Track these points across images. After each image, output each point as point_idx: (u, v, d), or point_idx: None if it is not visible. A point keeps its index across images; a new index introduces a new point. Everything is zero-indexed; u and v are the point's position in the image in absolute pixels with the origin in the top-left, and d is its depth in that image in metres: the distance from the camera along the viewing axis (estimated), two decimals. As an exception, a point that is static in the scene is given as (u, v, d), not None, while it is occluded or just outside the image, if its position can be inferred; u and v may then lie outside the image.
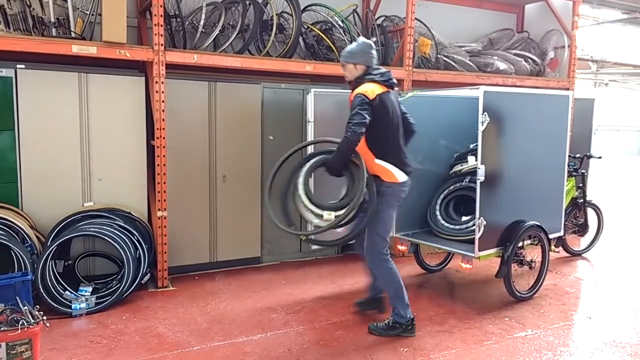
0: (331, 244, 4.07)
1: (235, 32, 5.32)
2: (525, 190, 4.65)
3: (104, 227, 4.45)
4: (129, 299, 4.49)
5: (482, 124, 4.14)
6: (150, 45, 4.64)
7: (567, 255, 6.26)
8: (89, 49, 4.36)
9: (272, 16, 5.50)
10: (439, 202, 5.15)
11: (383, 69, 3.87)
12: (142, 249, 4.64)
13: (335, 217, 3.60)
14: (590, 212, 6.36)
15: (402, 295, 3.88)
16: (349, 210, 3.58)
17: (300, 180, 3.75)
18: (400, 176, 3.77)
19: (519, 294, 4.64)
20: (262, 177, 5.53)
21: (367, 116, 3.57)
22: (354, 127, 3.53)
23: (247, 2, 5.33)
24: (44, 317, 3.47)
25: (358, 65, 3.80)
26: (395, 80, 3.87)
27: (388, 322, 3.94)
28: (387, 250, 3.87)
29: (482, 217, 4.25)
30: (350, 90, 3.83)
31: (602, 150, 8.21)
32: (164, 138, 4.71)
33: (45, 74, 4.54)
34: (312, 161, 3.83)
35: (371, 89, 3.67)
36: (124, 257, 4.34)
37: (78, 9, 4.89)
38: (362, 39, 3.93)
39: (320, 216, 3.66)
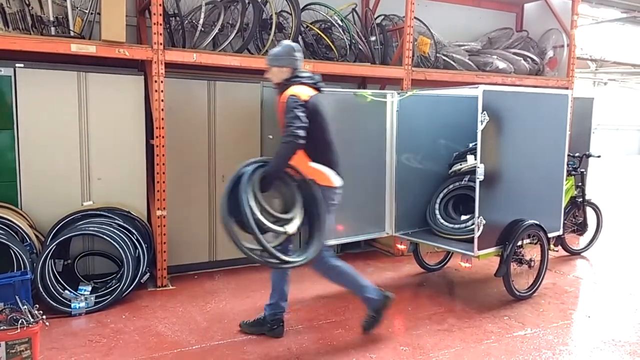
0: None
1: (235, 31, 5.31)
2: (525, 189, 4.66)
3: (103, 226, 4.45)
4: (129, 298, 4.49)
5: (482, 123, 4.14)
6: (150, 44, 4.64)
7: (566, 254, 6.26)
8: (88, 48, 4.36)
9: (272, 15, 5.50)
10: (438, 201, 5.15)
11: (310, 72, 3.77)
12: (142, 248, 4.63)
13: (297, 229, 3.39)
14: (590, 211, 6.37)
15: (360, 285, 3.82)
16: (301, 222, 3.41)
17: (252, 201, 3.28)
18: (336, 180, 3.66)
19: (518, 293, 4.64)
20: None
21: (303, 117, 3.44)
22: (295, 132, 3.38)
23: (247, 1, 5.33)
24: (44, 316, 3.47)
25: (283, 68, 3.69)
26: (322, 83, 3.77)
27: (370, 314, 3.88)
28: (326, 250, 3.71)
29: (481, 216, 4.26)
30: (277, 94, 3.72)
31: (601, 150, 8.21)
32: (163, 137, 4.71)
33: (44, 73, 4.54)
34: (254, 176, 3.37)
35: (302, 92, 3.56)
36: (124, 256, 4.34)
37: (77, 7, 4.88)
38: (286, 42, 3.84)
39: (284, 233, 3.37)
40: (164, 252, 4.83)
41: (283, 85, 3.69)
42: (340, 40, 5.95)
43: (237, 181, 3.33)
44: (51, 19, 4.68)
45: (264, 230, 3.29)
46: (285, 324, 4.04)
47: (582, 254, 6.35)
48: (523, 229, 4.52)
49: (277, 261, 3.33)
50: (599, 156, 6.50)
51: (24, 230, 4.27)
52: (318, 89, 3.73)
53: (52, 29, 4.70)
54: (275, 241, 3.41)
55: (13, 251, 4.04)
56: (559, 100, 4.93)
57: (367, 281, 3.89)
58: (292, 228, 3.41)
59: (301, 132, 3.40)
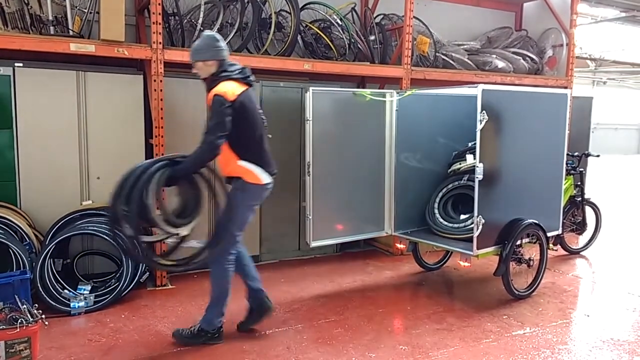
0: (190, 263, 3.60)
1: (234, 31, 5.30)
2: (524, 189, 4.66)
3: (102, 225, 4.44)
4: (128, 298, 4.48)
5: (481, 123, 4.14)
6: (149, 44, 4.64)
7: (565, 253, 6.27)
8: (87, 47, 4.35)
9: (271, 14, 5.50)
10: (437, 200, 5.15)
11: (240, 65, 3.58)
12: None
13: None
14: (588, 210, 6.37)
15: (223, 302, 3.69)
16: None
17: (149, 199, 3.22)
18: (264, 177, 3.58)
19: (517, 292, 4.65)
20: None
21: (227, 122, 3.35)
22: (214, 136, 3.31)
23: (246, 0, 5.32)
24: (43, 316, 3.47)
25: (208, 62, 3.50)
26: (253, 77, 3.62)
27: (193, 330, 3.70)
28: (233, 252, 3.69)
29: (480, 216, 4.26)
30: (206, 90, 3.56)
31: (600, 149, 8.21)
32: (162, 137, 4.70)
33: (43, 72, 4.54)
34: (157, 174, 3.29)
35: (230, 89, 3.42)
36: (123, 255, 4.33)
37: (76, 7, 4.87)
38: (206, 32, 3.63)
39: (176, 235, 3.35)
40: (164, 251, 4.82)
41: (211, 81, 3.50)
42: (339, 40, 5.95)
43: (138, 174, 3.23)
44: (50, 18, 4.68)
45: (149, 224, 3.29)
46: (285, 323, 4.05)
47: (581, 253, 6.36)
48: (522, 228, 4.52)
49: (146, 259, 3.42)
50: (598, 155, 6.51)
51: (23, 230, 4.27)
52: (249, 84, 3.56)
53: (51, 28, 4.70)
54: (159, 237, 3.41)
55: (12, 250, 4.04)
56: (558, 100, 4.94)
57: (226, 307, 3.73)
58: (185, 231, 3.38)
59: (220, 141, 3.33)
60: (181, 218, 3.42)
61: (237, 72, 3.52)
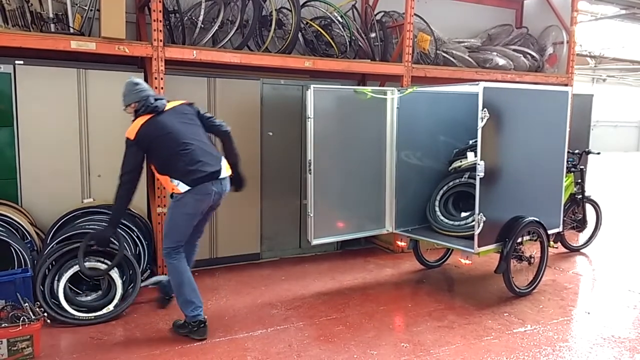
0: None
1: (235, 28, 5.30)
2: (525, 186, 4.66)
3: (103, 224, 4.44)
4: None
5: (482, 120, 4.14)
6: (149, 41, 4.63)
7: (566, 250, 6.28)
8: (88, 45, 4.35)
9: (271, 12, 5.49)
10: (438, 198, 5.15)
11: (152, 96, 3.81)
12: (142, 246, 4.64)
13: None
14: (589, 208, 6.38)
15: (185, 293, 3.80)
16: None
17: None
18: (182, 187, 3.72)
19: (518, 290, 4.65)
20: (262, 173, 5.53)
21: (133, 160, 3.72)
22: (120, 173, 3.75)
23: (246, -2, 5.32)
24: (45, 314, 3.48)
25: (132, 104, 3.82)
26: (163, 101, 3.83)
27: (183, 321, 3.88)
28: (177, 252, 3.84)
29: (481, 213, 4.26)
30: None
31: (600, 146, 8.22)
32: (163, 134, 4.69)
33: (44, 69, 4.53)
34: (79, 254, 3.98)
35: (132, 127, 3.73)
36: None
37: (76, 4, 4.87)
38: (127, 80, 3.90)
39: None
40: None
41: (137, 118, 3.82)
42: (340, 37, 5.94)
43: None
44: (51, 15, 4.67)
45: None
46: (286, 321, 4.06)
47: (581, 250, 6.37)
48: (523, 225, 4.52)
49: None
50: (598, 153, 6.52)
51: (24, 228, 4.26)
52: (153, 111, 3.78)
53: (52, 25, 4.69)
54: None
55: (14, 248, 4.04)
56: (559, 97, 4.93)
57: (197, 298, 3.85)
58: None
59: (126, 178, 3.75)
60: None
61: (143, 108, 3.79)
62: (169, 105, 3.87)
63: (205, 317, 3.84)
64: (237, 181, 4.16)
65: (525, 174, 4.65)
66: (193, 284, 3.84)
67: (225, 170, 3.92)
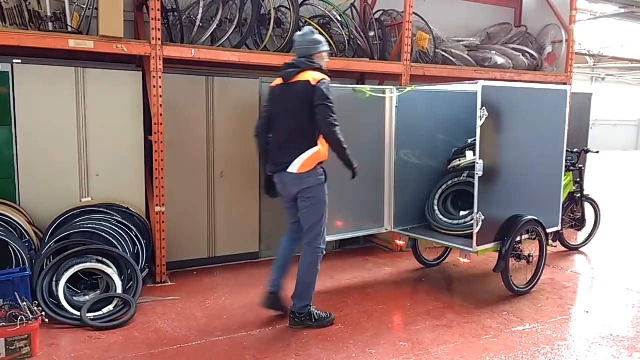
0: None
1: (233, 27, 5.29)
2: (524, 185, 4.66)
3: (102, 222, 4.44)
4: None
5: (481, 119, 4.14)
6: (148, 40, 4.62)
7: (565, 249, 6.28)
8: (86, 44, 4.34)
9: (270, 10, 5.48)
10: (437, 197, 5.15)
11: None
12: (141, 245, 4.63)
13: None
14: (588, 207, 6.38)
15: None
16: None
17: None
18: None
19: (516, 289, 4.65)
20: (260, 172, 5.52)
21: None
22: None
23: (245, -4, 5.31)
24: (43, 313, 3.47)
25: (324, 53, 3.93)
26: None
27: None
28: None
29: (480, 212, 4.26)
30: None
31: (599, 145, 8.23)
32: (161, 133, 4.70)
33: (42, 68, 4.52)
34: None
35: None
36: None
37: (75, 3, 4.85)
38: (309, 30, 3.94)
39: None
40: (163, 248, 4.83)
41: (311, 68, 3.76)
42: (339, 36, 5.93)
43: None
44: (49, 14, 4.66)
45: None
46: (284, 320, 4.06)
47: (580, 249, 6.37)
48: (522, 224, 4.52)
49: None
50: (597, 152, 6.52)
51: (22, 227, 4.25)
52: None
53: (50, 24, 4.68)
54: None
55: (12, 248, 4.03)
56: (558, 96, 4.93)
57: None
58: None
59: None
60: None
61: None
62: None
63: (274, 290, 4.04)
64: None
65: (524, 173, 4.65)
66: (280, 261, 4.02)
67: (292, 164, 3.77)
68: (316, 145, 3.72)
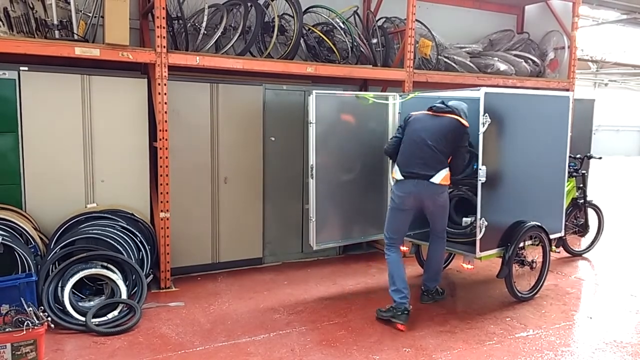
0: None
1: (237, 34, 5.33)
2: (526, 191, 4.67)
3: (107, 228, 4.47)
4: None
5: (483, 125, 4.16)
6: (153, 48, 4.66)
7: (568, 255, 6.28)
8: (92, 51, 4.38)
9: (274, 18, 5.52)
10: (440, 202, 5.15)
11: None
12: (145, 250, 4.66)
13: None
14: (591, 213, 6.38)
15: (391, 283, 4.28)
16: None
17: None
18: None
19: (520, 294, 4.66)
20: (264, 178, 5.55)
21: None
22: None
23: (249, 4, 5.35)
24: (49, 318, 3.49)
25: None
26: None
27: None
28: (388, 247, 4.41)
29: (483, 218, 4.27)
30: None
31: (601, 151, 8.24)
32: (166, 139, 4.73)
33: (48, 76, 4.56)
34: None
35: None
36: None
37: (81, 11, 4.90)
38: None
39: None
40: (167, 254, 4.85)
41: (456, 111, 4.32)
42: (342, 43, 5.97)
43: None
44: (55, 22, 4.70)
45: None
46: (289, 325, 4.07)
47: (583, 255, 6.37)
48: (525, 230, 4.53)
49: None
50: (600, 158, 6.52)
51: (28, 233, 4.28)
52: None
53: (56, 32, 4.72)
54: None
55: (18, 253, 4.06)
56: (560, 102, 4.94)
57: (397, 286, 4.26)
58: None
59: None
60: None
61: None
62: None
63: (411, 307, 4.17)
64: None
65: (527, 179, 4.66)
66: (402, 275, 4.26)
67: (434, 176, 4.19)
68: (447, 166, 4.26)
